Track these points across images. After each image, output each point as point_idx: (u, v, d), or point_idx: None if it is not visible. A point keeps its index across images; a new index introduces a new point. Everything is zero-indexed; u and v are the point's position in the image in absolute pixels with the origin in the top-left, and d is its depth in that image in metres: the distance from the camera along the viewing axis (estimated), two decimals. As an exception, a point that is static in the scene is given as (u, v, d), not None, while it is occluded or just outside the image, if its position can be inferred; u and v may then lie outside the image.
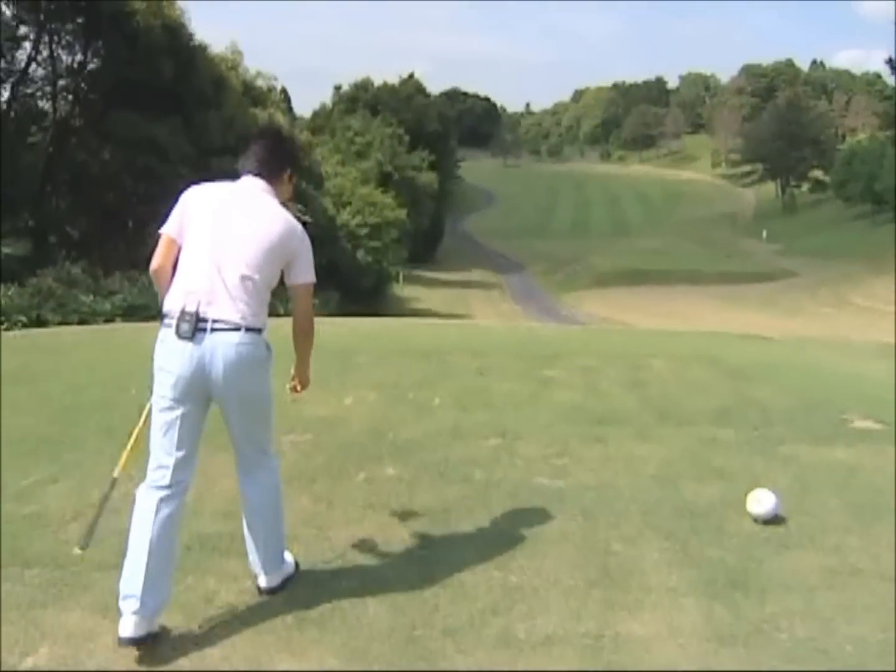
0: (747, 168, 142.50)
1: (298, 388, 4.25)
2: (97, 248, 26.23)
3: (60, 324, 16.61)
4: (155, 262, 3.77)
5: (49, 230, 30.13)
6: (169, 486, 3.83)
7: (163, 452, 3.81)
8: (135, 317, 16.80)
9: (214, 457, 6.32)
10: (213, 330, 3.53)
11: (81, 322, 16.33)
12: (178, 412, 3.77)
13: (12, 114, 31.92)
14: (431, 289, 53.71)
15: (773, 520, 5.07)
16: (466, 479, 5.75)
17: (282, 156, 3.91)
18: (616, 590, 4.22)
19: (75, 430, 7.11)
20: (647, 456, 6.28)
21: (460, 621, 3.91)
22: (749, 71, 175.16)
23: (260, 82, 36.61)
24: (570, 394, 8.13)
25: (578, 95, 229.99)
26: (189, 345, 3.54)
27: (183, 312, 3.52)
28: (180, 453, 3.83)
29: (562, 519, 5.08)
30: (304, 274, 3.75)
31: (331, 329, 13.03)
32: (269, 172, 3.81)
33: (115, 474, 4.04)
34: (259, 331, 3.66)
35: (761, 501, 5.09)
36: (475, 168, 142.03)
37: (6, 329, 15.98)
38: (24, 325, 16.27)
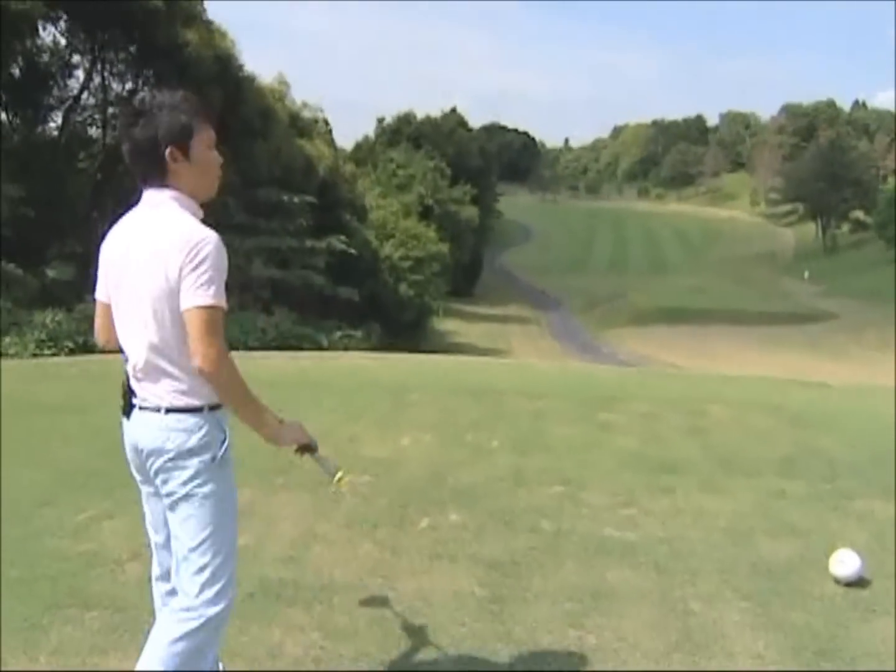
0: (787, 207, 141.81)
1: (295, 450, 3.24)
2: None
3: (105, 351, 16.63)
4: (97, 337, 3.16)
5: (94, 256, 30.32)
6: (161, 577, 3.28)
7: (149, 538, 3.27)
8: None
9: (273, 497, 6.29)
10: (140, 407, 2.88)
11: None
12: (144, 492, 3.15)
13: (63, 140, 32.38)
14: (470, 323, 53.69)
15: (858, 582, 4.85)
16: (533, 529, 5.60)
17: (149, 135, 2.74)
18: (700, 655, 4.03)
19: (124, 466, 7.03)
20: (716, 509, 6.08)
21: (538, 683, 3.75)
22: (790, 110, 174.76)
23: (306, 113, 36.90)
24: (630, 440, 7.95)
25: (617, 132, 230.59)
26: (126, 422, 2.97)
27: (122, 384, 2.94)
28: (158, 537, 3.20)
29: (636, 574, 4.91)
30: (193, 293, 2.65)
31: (380, 365, 13.00)
32: (149, 169, 2.79)
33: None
34: (191, 411, 2.83)
35: (845, 563, 4.88)
36: (513, 203, 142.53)
37: (54, 354, 16.05)
38: (72, 351, 16.33)
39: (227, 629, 3.27)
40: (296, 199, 30.67)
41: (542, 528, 5.61)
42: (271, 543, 5.43)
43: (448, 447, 7.55)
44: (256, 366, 12.65)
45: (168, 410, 2.82)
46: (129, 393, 2.91)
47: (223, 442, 2.93)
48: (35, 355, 15.84)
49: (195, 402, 2.82)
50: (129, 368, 2.88)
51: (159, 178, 2.78)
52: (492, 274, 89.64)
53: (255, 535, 5.54)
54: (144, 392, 2.85)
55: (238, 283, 25.94)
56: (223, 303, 2.69)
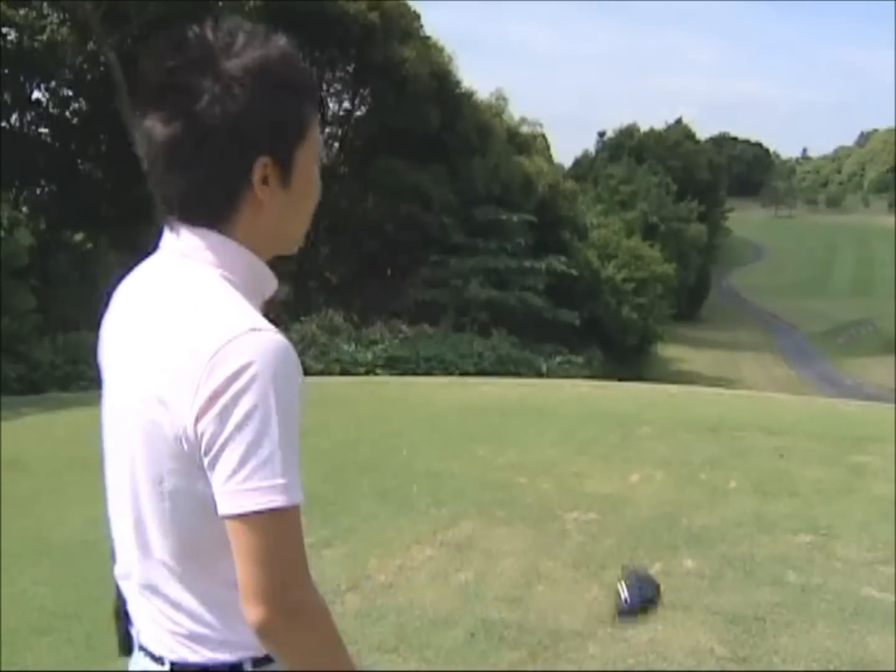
0: None
1: None
2: (356, 295, 27.33)
3: (322, 372, 17.34)
4: None
5: (309, 276, 31.74)
6: None
7: None
8: (395, 369, 17.28)
9: (493, 530, 6.30)
10: (140, 647, 1.67)
11: (343, 372, 16.96)
12: None
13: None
14: (697, 349, 52.49)
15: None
16: (778, 582, 5.33)
17: (226, 126, 1.43)
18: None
19: (348, 491, 7.27)
20: None
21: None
22: None
23: (524, 129, 37.26)
24: (889, 486, 7.45)
25: (864, 139, 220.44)
26: (128, 661, 1.77)
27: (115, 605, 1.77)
28: None
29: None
30: (237, 486, 1.38)
31: (606, 394, 12.85)
32: (206, 193, 1.48)
33: None
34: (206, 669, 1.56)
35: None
36: (743, 219, 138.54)
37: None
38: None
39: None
40: (514, 218, 30.94)
41: (788, 581, 5.33)
42: (493, 581, 5.43)
43: (681, 486, 7.34)
44: (474, 392, 12.80)
45: (178, 667, 1.57)
46: (123, 617, 1.72)
47: None
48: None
49: (228, 658, 1.54)
50: (119, 573, 1.68)
51: (218, 211, 1.49)
52: (719, 296, 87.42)
53: (475, 572, 5.57)
54: (142, 622, 1.63)
55: (454, 305, 26.39)
56: (297, 496, 1.39)
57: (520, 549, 5.95)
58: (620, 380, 16.80)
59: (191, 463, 1.41)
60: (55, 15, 25.81)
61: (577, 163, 70.62)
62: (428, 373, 18.04)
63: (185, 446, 1.40)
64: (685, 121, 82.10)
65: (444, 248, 29.41)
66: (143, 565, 1.57)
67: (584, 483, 7.42)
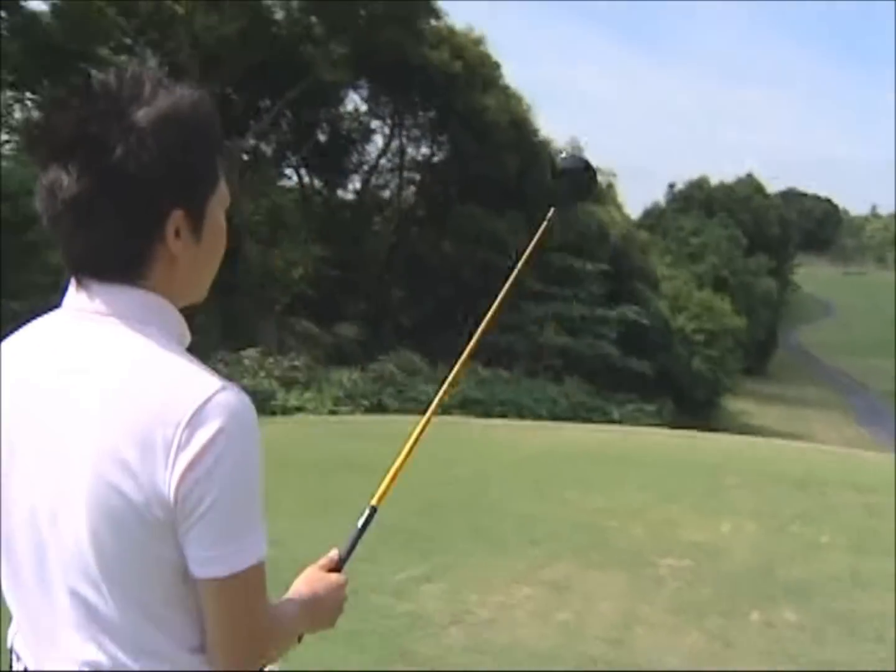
0: None
1: None
2: (430, 337, 27.54)
3: (398, 410, 17.51)
4: None
5: (383, 317, 32.08)
6: None
7: None
8: (471, 410, 17.38)
9: (588, 573, 6.35)
10: None
11: (420, 411, 17.04)
12: None
13: (360, 203, 34.64)
14: (764, 404, 51.74)
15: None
16: (881, 639, 5.32)
17: (137, 176, 1.36)
18: None
19: (442, 528, 7.36)
20: None
21: None
22: None
23: (599, 179, 37.35)
24: (984, 547, 7.36)
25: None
26: None
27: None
28: None
29: None
30: (215, 548, 1.35)
31: (689, 443, 12.77)
32: (116, 247, 1.40)
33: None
34: None
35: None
36: (811, 275, 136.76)
37: (350, 412, 17.06)
38: (367, 409, 17.29)
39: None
40: (588, 266, 31.07)
41: (890, 638, 5.30)
42: (593, 621, 5.49)
43: (773, 538, 7.34)
44: (556, 437, 12.85)
45: None
46: None
47: None
48: (332, 412, 16.89)
49: None
50: (23, 656, 1.52)
51: (131, 266, 1.42)
52: (786, 351, 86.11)
53: (574, 612, 5.63)
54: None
55: (529, 351, 26.49)
56: (264, 546, 1.40)
57: (617, 593, 6.00)
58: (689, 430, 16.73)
59: (161, 530, 1.34)
60: (154, 60, 26.68)
61: (647, 213, 70.41)
62: (503, 416, 18.13)
63: (159, 512, 1.32)
64: (755, 174, 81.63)
65: (519, 293, 29.56)
66: (90, 643, 1.41)
67: (676, 530, 7.44)
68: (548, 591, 6.01)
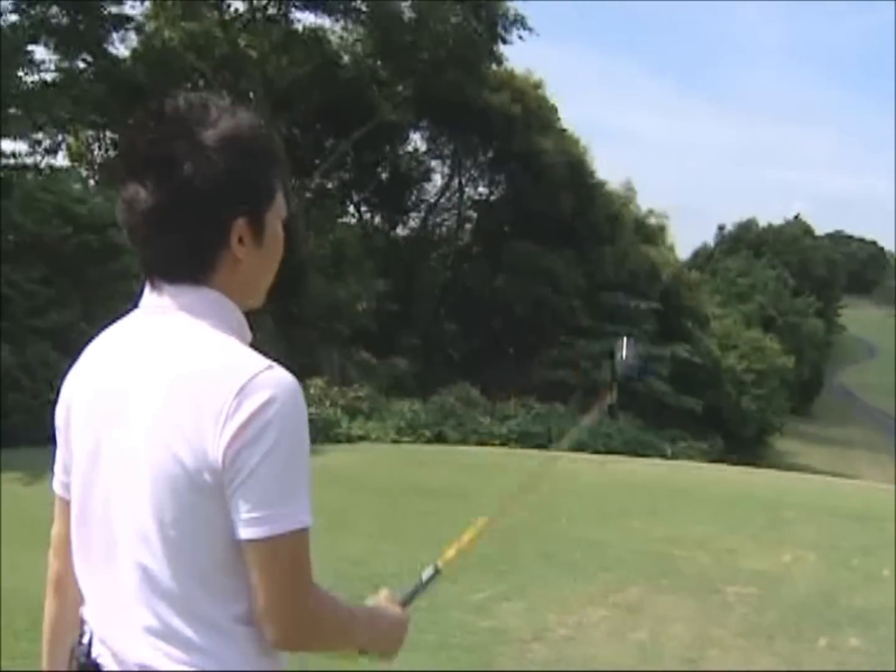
0: None
1: None
2: (481, 371, 27.85)
3: (458, 442, 17.80)
4: (52, 555, 1.81)
5: (434, 350, 32.47)
6: None
7: None
8: (528, 443, 17.60)
9: (659, 597, 6.59)
10: None
11: (479, 442, 17.39)
12: None
13: (418, 240, 35.18)
14: (810, 444, 51.27)
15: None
16: (942, 664, 5.48)
17: (204, 190, 1.52)
18: None
19: (514, 553, 7.61)
20: None
21: None
22: None
23: (652, 220, 37.71)
24: None
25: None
26: None
27: (72, 653, 1.68)
28: None
29: None
30: (261, 511, 1.45)
31: (748, 478, 12.94)
32: (185, 253, 1.57)
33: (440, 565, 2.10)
34: None
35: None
36: (856, 317, 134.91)
37: (412, 441, 17.39)
38: (428, 441, 17.61)
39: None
40: (642, 305, 31.27)
41: (951, 664, 5.48)
42: (667, 642, 5.73)
43: (834, 569, 7.52)
44: (617, 469, 13.09)
45: None
46: (89, 668, 1.62)
47: None
48: (395, 441, 17.23)
49: None
50: (95, 624, 1.62)
51: (200, 269, 1.57)
52: (830, 392, 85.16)
53: (649, 633, 5.87)
54: (127, 656, 1.55)
55: (583, 386, 26.72)
56: (308, 516, 1.49)
57: (687, 616, 6.22)
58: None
59: (211, 494, 1.45)
60: (228, 100, 27.44)
61: (697, 254, 70.71)
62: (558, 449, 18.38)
63: (209, 478, 1.44)
64: (802, 216, 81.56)
65: (571, 330, 29.82)
66: (144, 600, 1.51)
67: (739, 559, 7.66)
68: (622, 612, 6.24)
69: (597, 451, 17.86)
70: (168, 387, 1.49)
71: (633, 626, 5.98)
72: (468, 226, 36.81)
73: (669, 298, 33.77)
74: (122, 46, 24.84)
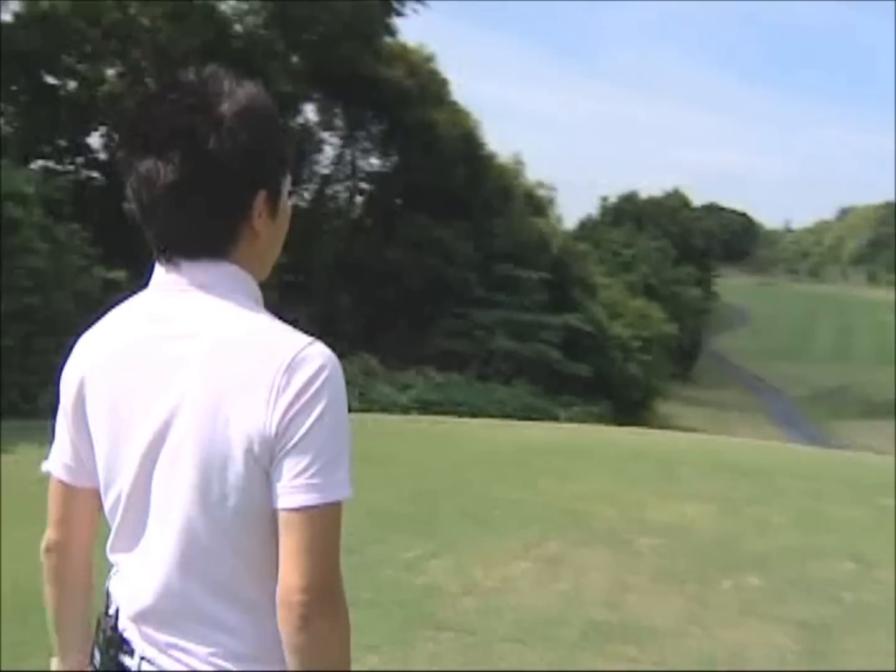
0: None
1: None
2: (378, 342, 28.01)
3: (361, 411, 17.99)
4: (50, 533, 1.74)
5: (331, 321, 32.46)
6: None
7: None
8: (428, 411, 17.91)
9: (577, 550, 6.94)
10: None
11: (382, 411, 17.60)
12: None
13: (312, 212, 34.99)
14: (689, 407, 53.04)
15: None
16: (835, 599, 5.99)
17: (228, 163, 1.49)
18: None
19: (435, 513, 7.86)
20: None
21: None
22: None
23: (541, 192, 38.42)
24: (916, 526, 8.13)
25: (844, 213, 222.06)
26: None
27: (98, 627, 1.67)
28: None
29: (945, 648, 5.21)
30: (308, 479, 1.43)
31: (641, 439, 13.44)
32: (208, 226, 1.52)
33: None
34: None
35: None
36: (728, 285, 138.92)
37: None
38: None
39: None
40: (533, 276, 31.89)
41: (843, 599, 5.99)
42: (589, 590, 6.06)
43: (730, 518, 8.01)
44: (519, 433, 13.45)
45: None
46: (117, 642, 1.61)
47: None
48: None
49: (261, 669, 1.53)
50: (124, 600, 1.60)
51: (221, 244, 1.53)
52: (705, 357, 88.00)
53: (571, 583, 6.20)
54: (157, 649, 1.55)
55: (478, 355, 27.17)
56: (348, 490, 1.47)
57: (604, 566, 6.56)
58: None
59: (260, 473, 1.43)
60: (114, 70, 26.77)
61: (582, 225, 71.78)
62: (459, 416, 18.77)
63: (259, 455, 1.42)
64: (681, 189, 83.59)
65: (465, 300, 30.26)
66: (181, 578, 1.50)
67: (644, 513, 8.07)
68: (543, 565, 6.53)
69: (492, 417, 18.33)
70: (207, 363, 1.46)
71: (555, 578, 6.27)
72: (361, 198, 36.86)
73: (559, 269, 34.50)
74: (5, 11, 23.99)
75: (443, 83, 33.35)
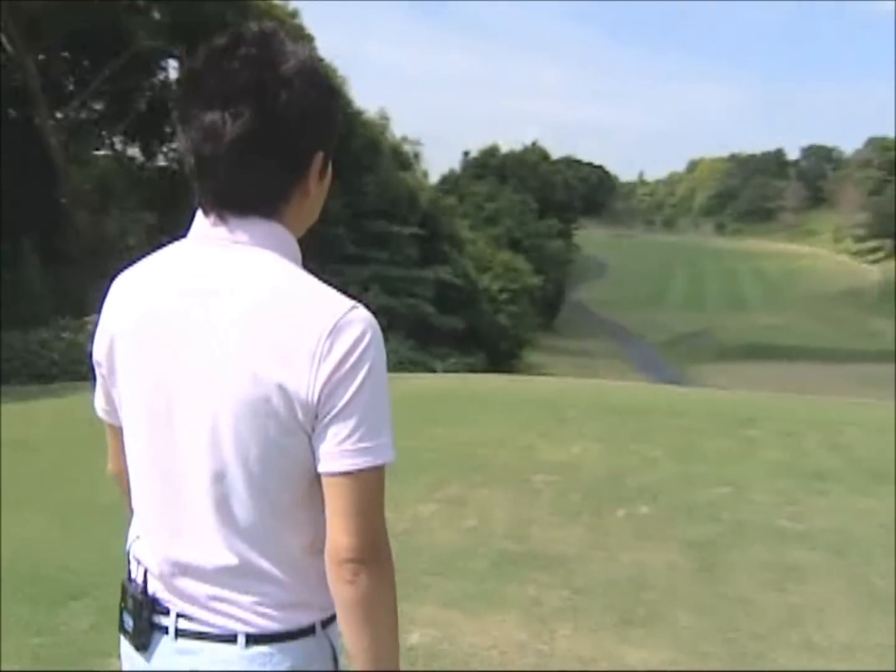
0: (873, 244, 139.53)
1: None
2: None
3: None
4: (110, 466, 1.78)
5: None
6: None
7: None
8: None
9: (478, 490, 7.33)
10: (180, 633, 1.56)
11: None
12: None
13: (181, 172, 34.27)
14: (554, 356, 54.51)
15: None
16: (716, 519, 6.56)
17: (297, 125, 1.48)
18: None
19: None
20: (872, 508, 6.94)
21: (764, 629, 4.67)
22: (876, 144, 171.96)
23: (406, 147, 38.52)
24: (777, 453, 8.86)
25: (693, 166, 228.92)
26: (139, 660, 1.62)
27: (125, 592, 1.64)
28: None
29: (815, 554, 5.83)
30: (352, 444, 1.43)
31: (522, 387, 13.94)
32: (270, 184, 1.51)
33: None
34: (295, 635, 1.53)
35: None
36: (587, 237, 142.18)
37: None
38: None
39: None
40: (404, 231, 32.10)
41: (723, 519, 6.57)
42: (495, 525, 6.44)
43: (617, 455, 8.56)
44: (405, 385, 13.74)
45: (254, 640, 1.51)
46: (150, 605, 1.59)
47: None
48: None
49: (304, 620, 1.54)
50: (155, 557, 1.59)
51: (276, 202, 1.52)
52: (568, 308, 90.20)
53: (476, 520, 6.56)
54: (197, 604, 1.54)
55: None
56: (392, 454, 1.48)
57: (505, 504, 6.95)
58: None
59: (299, 432, 1.43)
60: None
61: (445, 180, 72.09)
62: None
63: (301, 415, 1.42)
64: (540, 143, 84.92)
65: (338, 257, 30.29)
66: (221, 534, 1.49)
67: (538, 453, 8.54)
68: (449, 506, 6.84)
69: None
70: (246, 326, 1.44)
71: (462, 516, 6.59)
72: (229, 156, 36.13)
73: (428, 224, 34.80)
74: None
75: (308, 39, 32.94)
